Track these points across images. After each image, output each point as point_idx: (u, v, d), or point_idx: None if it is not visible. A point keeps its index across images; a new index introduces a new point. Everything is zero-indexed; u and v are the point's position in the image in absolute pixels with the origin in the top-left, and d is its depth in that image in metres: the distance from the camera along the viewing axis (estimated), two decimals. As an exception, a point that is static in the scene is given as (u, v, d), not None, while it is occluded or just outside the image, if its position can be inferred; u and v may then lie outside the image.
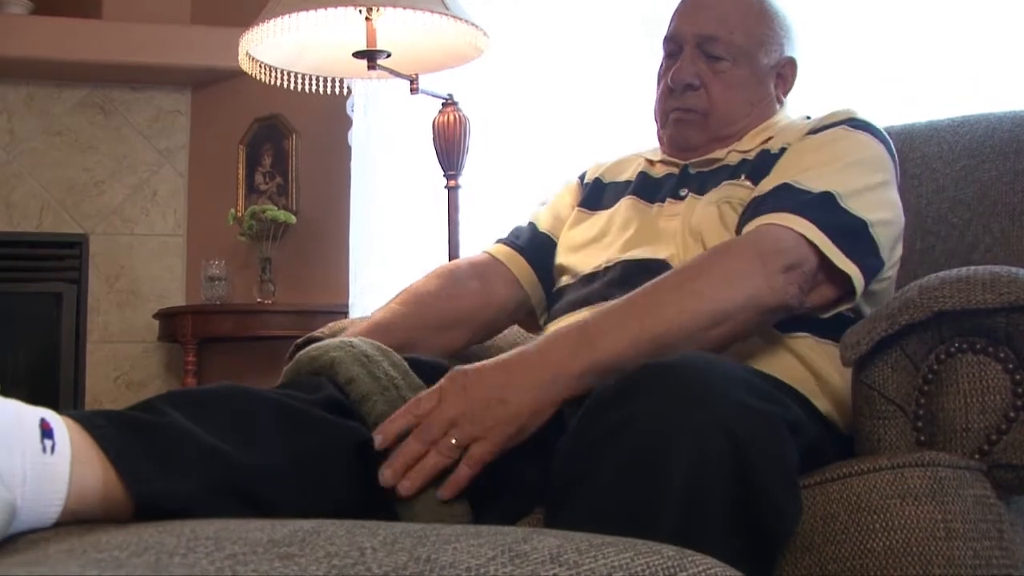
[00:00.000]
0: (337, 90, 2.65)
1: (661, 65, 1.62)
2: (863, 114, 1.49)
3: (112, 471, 0.88)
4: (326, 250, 3.47)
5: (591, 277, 1.51)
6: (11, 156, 3.78)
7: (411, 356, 1.28)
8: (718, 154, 1.54)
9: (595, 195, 1.66)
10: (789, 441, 1.03)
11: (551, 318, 1.54)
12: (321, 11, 2.28)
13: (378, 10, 2.32)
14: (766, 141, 1.52)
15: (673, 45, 1.59)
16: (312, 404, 1.10)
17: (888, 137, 1.47)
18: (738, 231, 1.38)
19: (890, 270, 1.42)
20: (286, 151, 3.65)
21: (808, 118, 1.56)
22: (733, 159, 1.53)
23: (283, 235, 3.52)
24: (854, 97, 2.28)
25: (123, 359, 3.82)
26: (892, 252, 1.40)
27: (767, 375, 1.24)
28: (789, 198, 1.34)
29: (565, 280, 1.57)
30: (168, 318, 3.58)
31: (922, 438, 1.15)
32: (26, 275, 3.75)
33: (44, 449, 0.83)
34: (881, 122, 1.84)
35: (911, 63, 2.32)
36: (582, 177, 1.73)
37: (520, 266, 1.65)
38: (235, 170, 3.74)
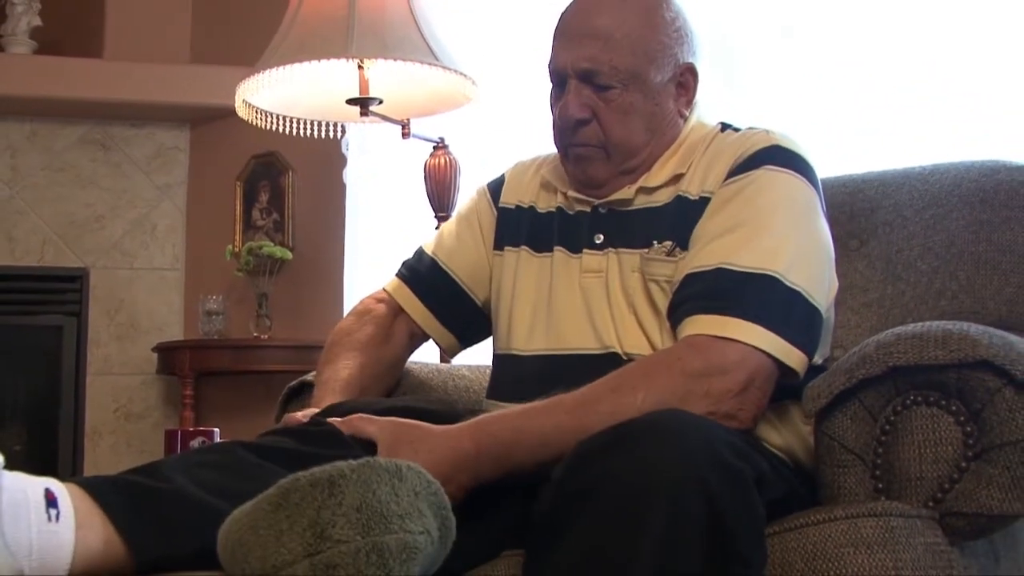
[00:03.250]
0: (331, 132, 2.71)
1: (551, 94, 1.51)
2: (782, 137, 1.43)
3: (114, 533, 0.93)
4: (322, 286, 3.50)
5: (531, 360, 1.48)
6: (14, 191, 3.82)
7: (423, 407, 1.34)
8: (625, 193, 1.47)
9: (516, 228, 1.58)
10: (757, 495, 1.06)
11: (495, 394, 1.53)
12: (315, 62, 2.34)
13: (371, 60, 2.39)
14: (678, 179, 1.45)
15: (558, 77, 1.48)
16: (313, 458, 1.11)
17: (808, 159, 1.42)
18: (670, 312, 1.36)
19: (828, 309, 1.41)
20: (283, 188, 3.68)
21: (722, 127, 1.50)
22: (641, 201, 1.46)
23: (279, 270, 3.55)
24: (830, 145, 2.34)
25: (122, 391, 3.84)
26: (829, 293, 1.39)
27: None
28: (730, 292, 1.29)
29: (503, 350, 1.55)
30: (167, 352, 3.62)
31: (880, 486, 1.19)
32: (27, 308, 3.79)
33: (50, 518, 0.88)
34: (859, 169, 1.91)
35: (891, 110, 2.39)
36: (494, 195, 1.65)
37: (423, 316, 1.65)
38: (233, 206, 3.76)
